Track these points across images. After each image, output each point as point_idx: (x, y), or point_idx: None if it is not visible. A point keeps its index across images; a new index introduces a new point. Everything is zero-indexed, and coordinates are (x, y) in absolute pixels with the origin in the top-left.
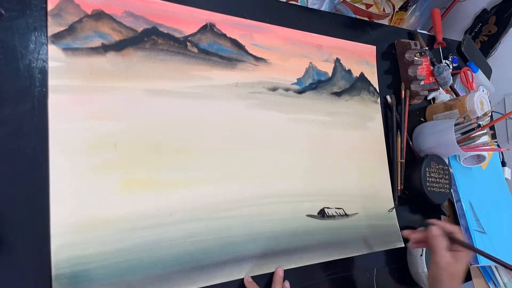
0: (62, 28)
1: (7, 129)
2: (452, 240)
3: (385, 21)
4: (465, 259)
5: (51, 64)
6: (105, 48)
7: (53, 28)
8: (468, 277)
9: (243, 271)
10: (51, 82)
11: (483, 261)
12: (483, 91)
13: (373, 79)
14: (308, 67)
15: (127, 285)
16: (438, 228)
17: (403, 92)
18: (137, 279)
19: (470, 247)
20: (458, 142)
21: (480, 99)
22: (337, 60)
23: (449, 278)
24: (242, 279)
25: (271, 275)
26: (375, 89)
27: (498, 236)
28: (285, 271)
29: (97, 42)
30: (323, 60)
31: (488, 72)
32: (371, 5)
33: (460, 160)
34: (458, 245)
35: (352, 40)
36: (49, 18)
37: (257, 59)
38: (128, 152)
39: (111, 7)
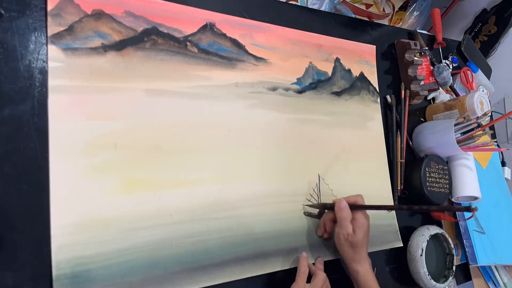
0: (62, 28)
1: (7, 129)
2: (353, 207)
3: (385, 21)
4: (365, 225)
5: (51, 64)
6: (105, 48)
7: (53, 28)
8: (468, 277)
9: (245, 271)
10: (51, 82)
11: (483, 261)
12: (483, 91)
13: (373, 79)
14: (308, 67)
15: (128, 285)
16: (343, 201)
17: (403, 92)
18: (138, 279)
19: (365, 206)
20: (458, 142)
21: (480, 99)
22: (337, 60)
23: (350, 247)
24: (244, 279)
25: (272, 275)
26: (375, 88)
27: (498, 236)
28: (286, 270)
29: (97, 42)
30: (323, 59)
31: (488, 72)
32: (371, 5)
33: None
34: (357, 209)
35: (352, 40)
36: (49, 18)
37: (257, 59)
38: (128, 152)
39: (111, 7)
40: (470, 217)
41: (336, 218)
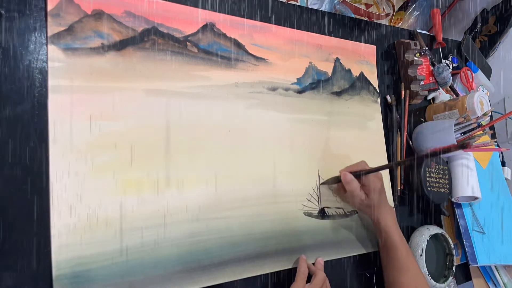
0: (62, 28)
1: (7, 129)
2: (358, 175)
3: (385, 21)
4: (376, 188)
5: (51, 64)
6: (105, 48)
7: (53, 28)
8: (468, 277)
9: (245, 271)
10: (51, 82)
11: (483, 261)
12: (483, 91)
13: (373, 79)
14: (308, 67)
15: (128, 285)
16: (347, 174)
17: (403, 92)
18: (138, 279)
19: (370, 170)
20: (458, 142)
21: (480, 99)
22: (337, 60)
23: (367, 208)
24: (244, 279)
25: (271, 276)
26: (375, 88)
27: (498, 236)
28: (286, 271)
29: (97, 42)
30: (323, 59)
31: (488, 72)
32: (371, 5)
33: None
34: (363, 175)
35: (352, 40)
36: (49, 18)
37: (257, 59)
38: (128, 152)
39: (111, 7)
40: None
41: (347, 191)
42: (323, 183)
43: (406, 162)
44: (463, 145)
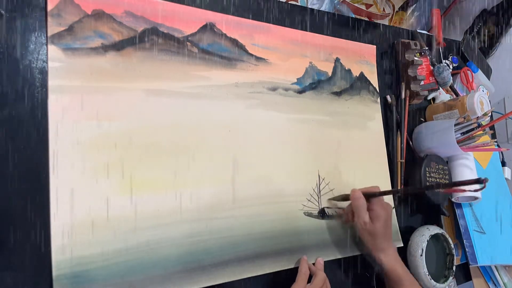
0: (62, 28)
1: (7, 129)
2: (368, 196)
3: (385, 21)
4: (382, 216)
5: (51, 64)
6: (105, 48)
7: (53, 28)
8: (468, 277)
9: (245, 271)
10: (51, 82)
11: (483, 261)
12: (483, 91)
13: (373, 79)
14: (308, 67)
15: (128, 285)
16: (357, 191)
17: (403, 92)
18: (138, 279)
19: (381, 193)
20: (458, 142)
21: (480, 99)
22: (337, 60)
23: (369, 236)
24: (244, 279)
25: (272, 276)
26: (375, 88)
27: (498, 236)
28: (286, 271)
29: (97, 42)
30: (323, 59)
31: (488, 72)
32: (371, 5)
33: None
34: (372, 198)
35: (352, 40)
36: (49, 18)
37: (257, 59)
38: (128, 152)
39: (111, 7)
40: (482, 188)
41: (352, 207)
42: (331, 199)
43: (422, 188)
44: (479, 180)
